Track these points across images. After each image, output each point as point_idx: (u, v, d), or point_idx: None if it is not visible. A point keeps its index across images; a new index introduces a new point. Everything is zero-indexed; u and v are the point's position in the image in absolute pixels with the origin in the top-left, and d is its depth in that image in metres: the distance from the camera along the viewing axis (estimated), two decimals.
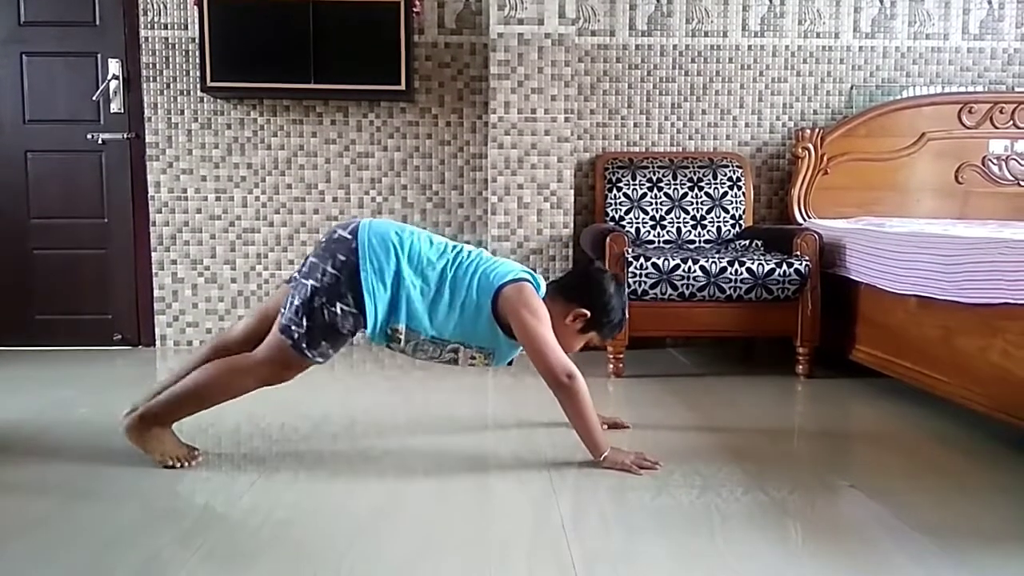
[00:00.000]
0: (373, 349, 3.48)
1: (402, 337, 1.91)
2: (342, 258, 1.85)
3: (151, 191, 3.55)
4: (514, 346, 1.98)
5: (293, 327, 1.85)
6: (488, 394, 2.81)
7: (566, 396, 1.89)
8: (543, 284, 2.02)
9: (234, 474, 1.90)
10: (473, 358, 1.99)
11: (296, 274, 1.94)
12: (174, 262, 3.59)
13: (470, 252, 2.00)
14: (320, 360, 1.89)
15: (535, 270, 2.21)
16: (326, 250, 1.88)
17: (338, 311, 1.84)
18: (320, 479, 1.88)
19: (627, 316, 2.15)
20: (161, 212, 3.56)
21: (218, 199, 3.57)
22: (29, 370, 3.16)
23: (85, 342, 3.57)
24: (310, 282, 1.85)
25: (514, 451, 2.12)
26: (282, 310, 1.89)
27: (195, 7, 3.29)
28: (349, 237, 1.88)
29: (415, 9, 3.38)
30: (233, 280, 3.61)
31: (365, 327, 1.88)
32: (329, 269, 1.85)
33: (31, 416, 2.45)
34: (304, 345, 1.85)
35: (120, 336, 3.60)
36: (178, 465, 1.89)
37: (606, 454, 1.91)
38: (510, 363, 2.09)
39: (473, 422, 2.40)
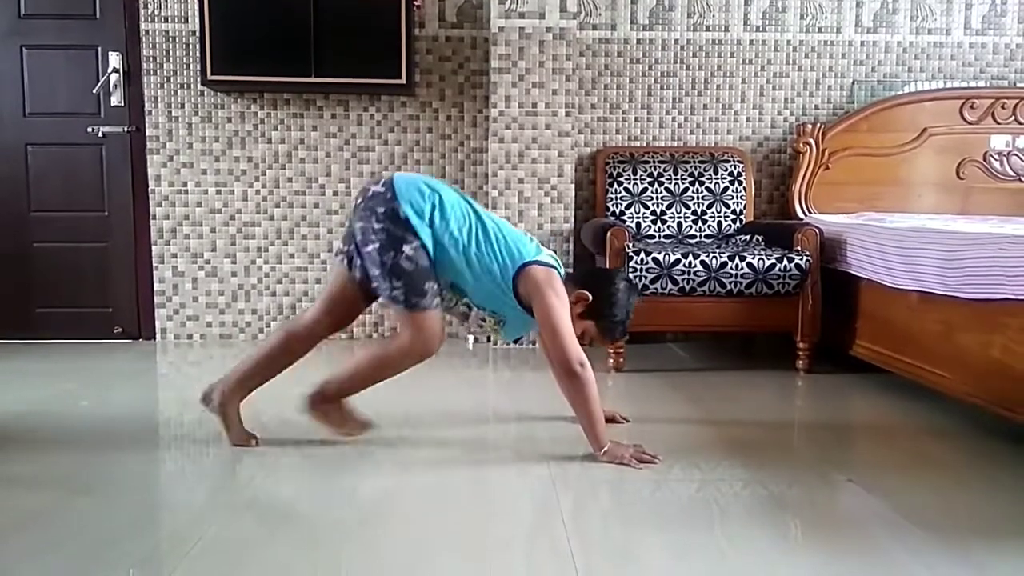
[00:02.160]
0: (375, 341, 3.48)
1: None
2: (381, 210, 1.88)
3: (151, 184, 3.55)
4: (526, 323, 2.01)
5: (395, 292, 1.88)
6: (488, 388, 2.81)
7: (575, 385, 1.90)
8: (562, 271, 2.04)
9: (235, 467, 1.91)
10: (483, 320, 2.04)
11: (343, 245, 2.01)
12: (174, 255, 3.59)
13: (494, 219, 2.02)
14: (436, 304, 1.91)
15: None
16: (366, 209, 1.92)
17: (411, 253, 1.87)
18: (320, 473, 1.88)
19: (630, 321, 2.11)
20: (161, 205, 3.56)
21: (218, 193, 3.57)
22: (29, 363, 3.16)
23: (85, 335, 3.57)
24: (371, 248, 1.89)
25: (514, 445, 2.12)
26: (375, 288, 1.93)
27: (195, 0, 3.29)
28: (383, 190, 1.92)
29: (416, 3, 3.37)
30: (233, 274, 3.61)
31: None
32: (375, 226, 1.88)
33: (31, 408, 2.45)
34: (414, 299, 1.88)
35: (120, 329, 3.60)
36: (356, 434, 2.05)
37: (606, 448, 1.92)
38: (517, 341, 2.09)
39: (473, 416, 2.40)
